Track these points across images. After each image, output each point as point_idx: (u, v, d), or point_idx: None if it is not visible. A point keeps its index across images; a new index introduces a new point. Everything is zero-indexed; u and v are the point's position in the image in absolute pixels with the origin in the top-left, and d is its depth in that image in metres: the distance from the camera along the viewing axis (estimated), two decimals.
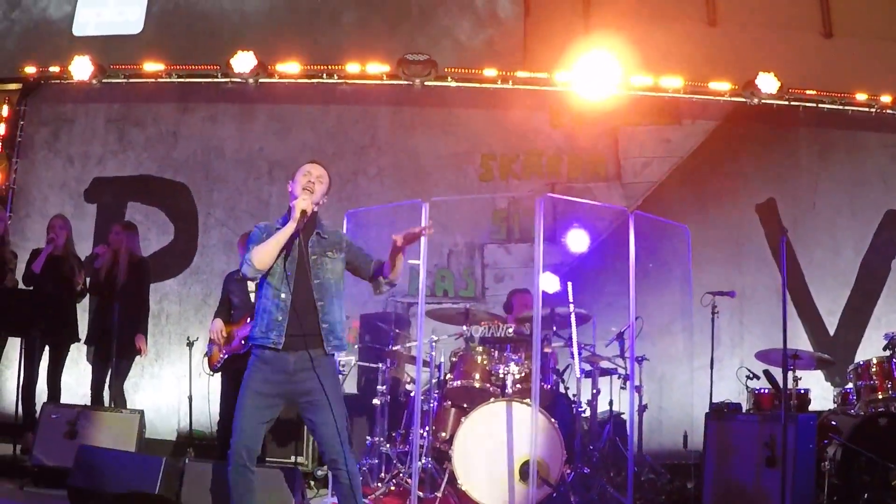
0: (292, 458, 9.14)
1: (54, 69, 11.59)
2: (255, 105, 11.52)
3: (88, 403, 9.22)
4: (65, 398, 9.52)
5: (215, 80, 11.43)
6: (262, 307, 5.75)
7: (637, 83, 11.10)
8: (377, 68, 11.17)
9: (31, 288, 9.47)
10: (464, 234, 11.11)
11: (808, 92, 11.17)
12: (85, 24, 12.28)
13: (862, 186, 11.24)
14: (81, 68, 11.29)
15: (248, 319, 8.21)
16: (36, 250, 9.61)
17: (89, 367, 9.60)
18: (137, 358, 9.70)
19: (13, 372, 9.43)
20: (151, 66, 11.46)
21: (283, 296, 5.66)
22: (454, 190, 10.95)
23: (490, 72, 11.14)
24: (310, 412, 5.67)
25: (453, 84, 11.23)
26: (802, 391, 8.49)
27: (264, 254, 5.64)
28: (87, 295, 9.77)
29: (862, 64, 11.34)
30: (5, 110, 11.71)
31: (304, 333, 5.62)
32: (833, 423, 8.10)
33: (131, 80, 11.59)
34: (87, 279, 9.71)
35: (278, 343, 5.60)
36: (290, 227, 5.63)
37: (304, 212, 5.62)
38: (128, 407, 9.25)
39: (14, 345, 9.77)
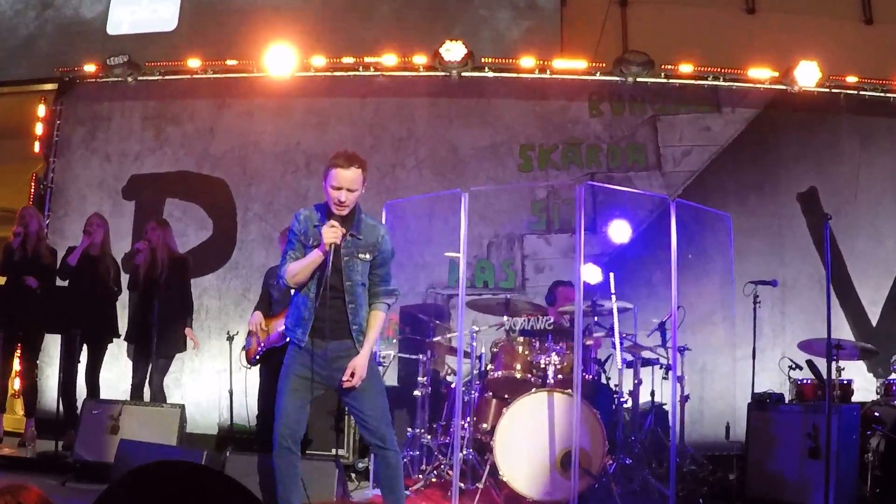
0: (333, 451, 9.15)
1: (89, 68, 11.63)
2: (292, 99, 11.50)
3: (128, 399, 9.28)
4: (106, 394, 9.61)
5: (251, 74, 11.44)
6: (294, 300, 5.83)
7: (676, 71, 11.01)
8: (414, 60, 11.14)
9: (67, 283, 9.56)
10: (503, 225, 11.02)
11: (848, 79, 11.02)
12: (119, 22, 12.39)
13: None
14: (116, 66, 11.33)
15: (286, 314, 8.23)
16: (72, 247, 9.69)
17: (130, 364, 9.64)
18: (179, 353, 9.76)
19: (54, 370, 9.48)
20: (186, 63, 11.49)
21: (311, 295, 5.65)
22: (493, 181, 10.90)
23: (528, 62, 11.08)
24: (350, 398, 5.71)
25: (491, 74, 11.18)
26: (845, 382, 8.37)
27: (297, 275, 5.64)
28: (123, 293, 9.80)
29: None
30: (41, 110, 11.79)
31: (336, 328, 5.63)
32: (876, 413, 8.06)
33: (167, 77, 11.63)
34: (124, 276, 9.75)
35: (302, 340, 5.63)
36: (317, 258, 5.59)
37: (332, 244, 5.55)
38: (168, 402, 9.31)
39: (54, 342, 9.84)
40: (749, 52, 11.16)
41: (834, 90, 11.08)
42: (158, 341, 9.14)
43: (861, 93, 11.09)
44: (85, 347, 9.60)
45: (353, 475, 8.95)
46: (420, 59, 11.09)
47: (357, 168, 5.60)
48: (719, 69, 10.98)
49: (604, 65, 11.03)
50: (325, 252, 5.53)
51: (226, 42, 11.66)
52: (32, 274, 9.49)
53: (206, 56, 11.47)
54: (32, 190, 11.59)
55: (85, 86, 11.83)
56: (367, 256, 5.74)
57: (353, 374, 5.58)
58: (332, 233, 5.52)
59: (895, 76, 11.03)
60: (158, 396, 9.26)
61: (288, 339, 7.96)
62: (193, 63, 11.47)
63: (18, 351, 9.79)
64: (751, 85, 11.10)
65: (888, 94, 11.09)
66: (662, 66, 10.95)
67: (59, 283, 9.75)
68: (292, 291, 8.24)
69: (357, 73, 11.31)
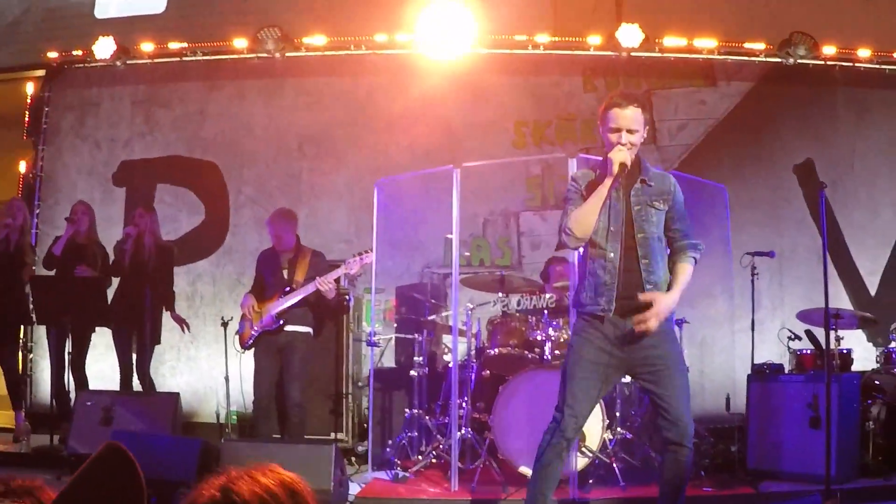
0: (332, 434, 9.11)
1: (77, 53, 11.52)
2: (283, 80, 11.40)
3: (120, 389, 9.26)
4: (100, 385, 9.56)
5: (241, 56, 11.30)
6: (587, 269, 5.31)
7: (670, 44, 10.88)
8: (405, 38, 10.97)
9: (53, 273, 9.49)
10: (498, 202, 10.96)
11: (844, 51, 10.90)
12: (106, 5, 12.20)
13: None
14: (105, 50, 11.19)
15: (279, 297, 8.15)
16: (59, 237, 9.63)
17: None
18: (174, 341, 9.76)
19: (48, 362, 9.45)
20: (176, 45, 11.35)
21: (610, 255, 5.18)
22: (488, 158, 10.61)
23: (520, 37, 10.95)
24: (655, 384, 5.24)
25: (483, 51, 11.03)
26: (845, 351, 8.39)
27: (584, 220, 5.18)
28: (110, 280, 9.76)
29: None
30: (29, 97, 11.68)
31: (633, 296, 5.16)
32: (877, 382, 8.10)
33: (156, 61, 11.49)
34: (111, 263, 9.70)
35: (608, 309, 5.15)
36: (607, 184, 5.15)
37: (622, 165, 5.12)
38: (157, 390, 9.28)
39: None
40: (744, 24, 11.04)
41: (829, 62, 10.97)
42: (144, 330, 9.09)
43: (857, 65, 10.98)
44: (70, 337, 9.54)
45: (354, 459, 8.94)
46: (411, 37, 10.89)
47: (636, 107, 5.23)
48: (714, 42, 10.85)
49: (598, 40, 10.87)
50: (613, 175, 5.13)
51: (215, 23, 11.49)
52: (10, 269, 9.46)
53: (196, 38, 11.34)
54: (22, 180, 11.52)
55: (73, 71, 11.73)
56: (662, 206, 5.30)
57: (647, 315, 5.06)
58: (621, 154, 5.12)
59: (891, 48, 10.92)
60: (149, 384, 9.22)
61: (282, 326, 7.89)
62: (182, 45, 11.33)
63: None
64: (746, 58, 11.00)
65: (884, 66, 10.99)
66: (657, 40, 10.83)
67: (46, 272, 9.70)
68: (285, 274, 8.27)
69: (348, 52, 11.17)
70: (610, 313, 5.17)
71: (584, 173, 5.46)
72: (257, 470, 2.06)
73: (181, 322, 9.63)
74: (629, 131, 5.18)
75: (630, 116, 5.18)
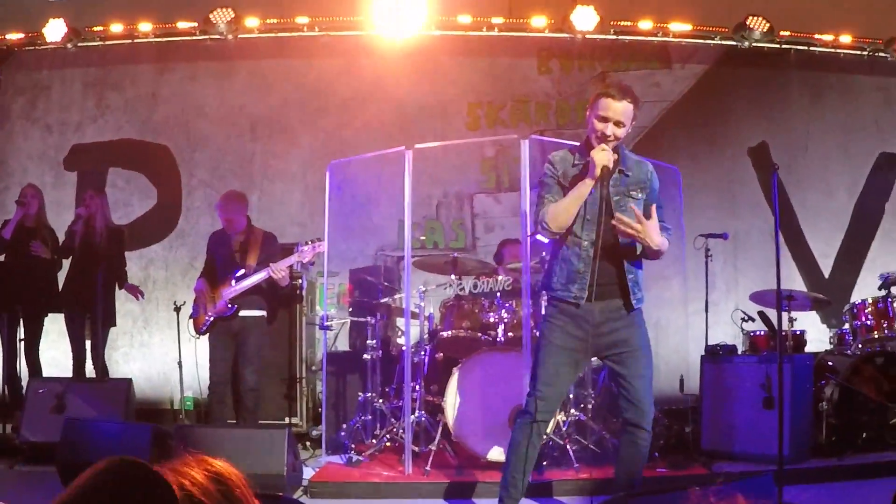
0: (286, 419, 9.06)
1: (27, 35, 11.29)
2: (236, 62, 11.26)
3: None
4: (55, 372, 9.46)
5: (193, 37, 11.14)
6: (560, 255, 5.32)
7: (625, 27, 10.88)
8: (358, 19, 10.87)
9: (3, 257, 9.36)
10: (452, 184, 10.94)
11: (798, 35, 10.96)
12: None
13: (854, 129, 11.10)
14: (56, 32, 10.99)
15: (232, 281, 8.07)
16: (8, 220, 9.48)
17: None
18: (127, 326, 9.63)
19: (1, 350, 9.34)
20: (127, 27, 11.17)
21: (584, 243, 5.19)
22: (441, 140, 10.55)
23: (474, 19, 10.90)
24: (620, 365, 5.29)
25: (437, 33, 10.97)
26: (798, 332, 8.53)
27: (561, 217, 5.17)
28: (61, 264, 9.63)
29: (854, 6, 11.11)
30: None
31: (608, 283, 5.22)
32: (830, 363, 8.16)
33: (107, 43, 11.30)
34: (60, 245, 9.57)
35: (580, 297, 5.18)
36: (588, 184, 5.11)
37: (605, 168, 5.09)
38: (110, 376, 9.17)
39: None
40: (699, 7, 11.06)
41: (784, 46, 11.03)
42: (97, 314, 8.99)
43: (811, 48, 11.06)
44: (21, 323, 9.41)
45: (308, 443, 8.90)
46: (364, 18, 10.80)
47: (629, 102, 5.15)
48: (669, 24, 10.85)
49: (553, 22, 10.85)
50: (595, 178, 5.08)
51: (168, 5, 11.32)
52: None
53: (148, 20, 11.14)
54: None
55: (24, 54, 11.50)
56: (639, 195, 5.31)
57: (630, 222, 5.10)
58: (604, 155, 5.08)
59: (845, 32, 10.98)
60: (103, 369, 9.12)
61: (236, 312, 7.81)
62: (134, 27, 11.14)
63: None
64: (701, 41, 11.03)
65: (838, 50, 11.07)
66: (612, 23, 10.81)
67: None
68: (237, 258, 8.19)
69: (301, 33, 11.05)
70: (582, 301, 5.20)
71: (563, 157, 5.42)
72: (185, 461, 2.00)
73: (135, 291, 9.53)
74: (616, 123, 5.15)
75: (621, 110, 5.14)
